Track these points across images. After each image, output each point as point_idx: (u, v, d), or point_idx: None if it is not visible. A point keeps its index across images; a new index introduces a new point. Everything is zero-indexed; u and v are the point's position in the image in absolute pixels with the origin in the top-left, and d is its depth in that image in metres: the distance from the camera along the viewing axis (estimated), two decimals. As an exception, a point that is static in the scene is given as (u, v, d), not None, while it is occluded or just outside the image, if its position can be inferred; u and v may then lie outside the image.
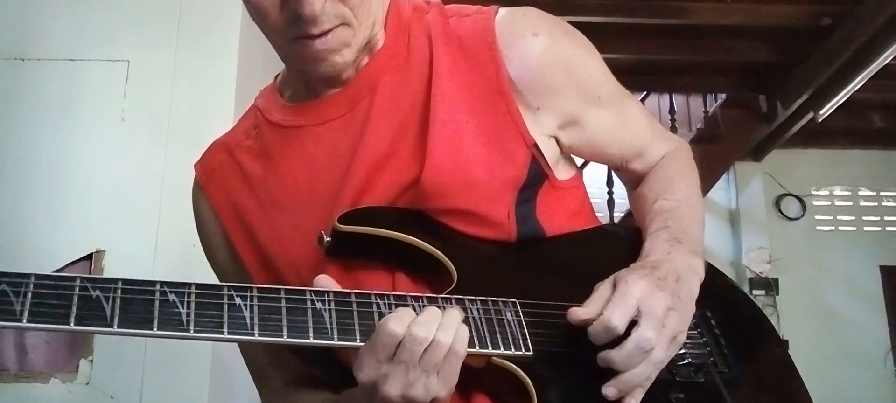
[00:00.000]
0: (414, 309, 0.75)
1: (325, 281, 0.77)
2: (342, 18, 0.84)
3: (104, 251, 2.52)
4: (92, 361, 2.40)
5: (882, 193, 6.38)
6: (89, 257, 2.51)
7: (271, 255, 0.91)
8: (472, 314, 0.78)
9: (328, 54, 0.85)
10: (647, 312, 0.77)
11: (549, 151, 0.93)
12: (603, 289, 0.81)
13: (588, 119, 0.96)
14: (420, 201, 0.86)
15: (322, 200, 0.88)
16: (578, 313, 0.79)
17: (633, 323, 0.77)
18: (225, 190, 0.97)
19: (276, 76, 1.03)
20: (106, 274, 2.48)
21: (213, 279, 1.03)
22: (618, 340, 0.77)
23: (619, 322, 0.76)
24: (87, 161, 2.62)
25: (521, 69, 0.90)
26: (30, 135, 2.64)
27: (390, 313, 0.73)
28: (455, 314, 0.74)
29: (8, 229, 2.52)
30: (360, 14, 0.85)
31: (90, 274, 2.46)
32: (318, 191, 0.90)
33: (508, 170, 0.88)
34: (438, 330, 0.71)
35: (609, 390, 0.77)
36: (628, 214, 5.29)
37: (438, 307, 0.76)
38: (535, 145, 0.90)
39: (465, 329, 0.74)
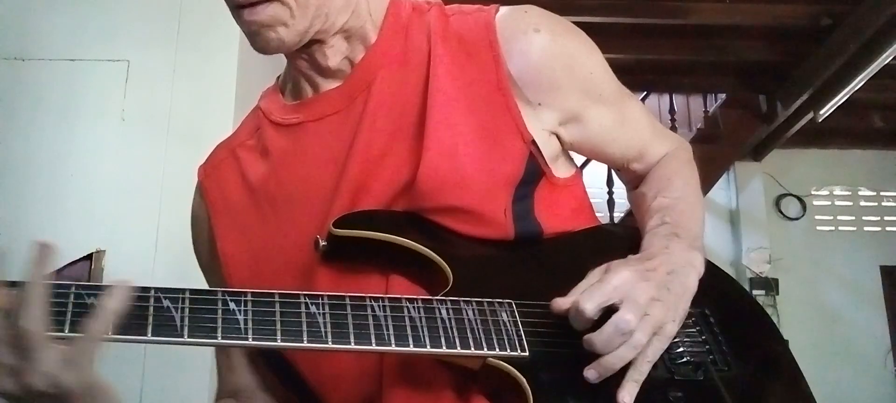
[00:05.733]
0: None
1: None
2: None
3: (104, 251, 2.53)
4: (92, 361, 2.41)
5: (882, 193, 6.38)
6: (89, 257, 2.51)
7: (263, 255, 0.91)
8: (467, 315, 0.78)
9: (259, 28, 0.84)
10: (627, 298, 0.78)
11: (549, 148, 0.93)
12: (590, 276, 0.82)
13: (589, 116, 0.95)
14: (416, 199, 0.86)
15: (318, 199, 0.88)
16: (559, 303, 0.80)
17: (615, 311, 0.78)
18: (221, 187, 0.98)
19: (278, 77, 1.03)
20: (106, 274, 2.50)
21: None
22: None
23: (589, 305, 0.77)
24: (87, 161, 2.63)
25: (521, 65, 0.90)
26: (30, 135, 2.64)
27: None
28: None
29: (8, 229, 2.52)
30: None
31: (90, 273, 2.47)
32: (314, 190, 0.89)
33: (504, 166, 0.88)
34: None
35: (589, 372, 0.77)
36: (628, 214, 5.30)
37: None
38: (533, 142, 0.90)
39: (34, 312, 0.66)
